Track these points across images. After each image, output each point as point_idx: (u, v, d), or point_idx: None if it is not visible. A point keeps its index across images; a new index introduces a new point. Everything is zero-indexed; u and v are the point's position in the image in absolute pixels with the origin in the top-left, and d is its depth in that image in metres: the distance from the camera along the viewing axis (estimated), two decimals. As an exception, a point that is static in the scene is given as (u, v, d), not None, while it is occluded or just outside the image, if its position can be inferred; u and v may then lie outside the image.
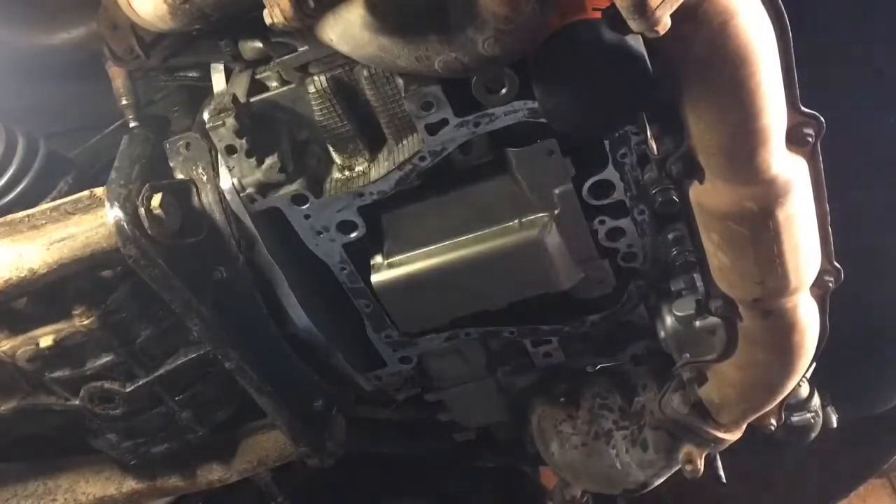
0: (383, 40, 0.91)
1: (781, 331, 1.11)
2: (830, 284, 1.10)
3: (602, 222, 1.32)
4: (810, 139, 0.95)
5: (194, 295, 1.28)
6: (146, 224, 1.20)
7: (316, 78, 1.20)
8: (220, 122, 1.17)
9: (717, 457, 1.54)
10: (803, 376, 1.23)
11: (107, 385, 1.41)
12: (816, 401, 1.46)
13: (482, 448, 1.98)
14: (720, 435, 1.38)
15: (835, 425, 1.50)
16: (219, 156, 1.27)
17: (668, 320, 1.41)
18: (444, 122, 1.15)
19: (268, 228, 1.32)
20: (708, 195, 1.00)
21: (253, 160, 1.21)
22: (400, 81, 1.14)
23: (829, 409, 1.50)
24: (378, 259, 1.36)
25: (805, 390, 1.43)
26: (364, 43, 0.92)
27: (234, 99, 1.18)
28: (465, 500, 2.22)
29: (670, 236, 1.30)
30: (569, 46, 0.91)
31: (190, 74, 1.40)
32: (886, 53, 1.38)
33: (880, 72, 1.41)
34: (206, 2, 1.05)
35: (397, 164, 1.23)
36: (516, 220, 1.29)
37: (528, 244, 1.28)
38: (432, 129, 1.17)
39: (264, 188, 1.25)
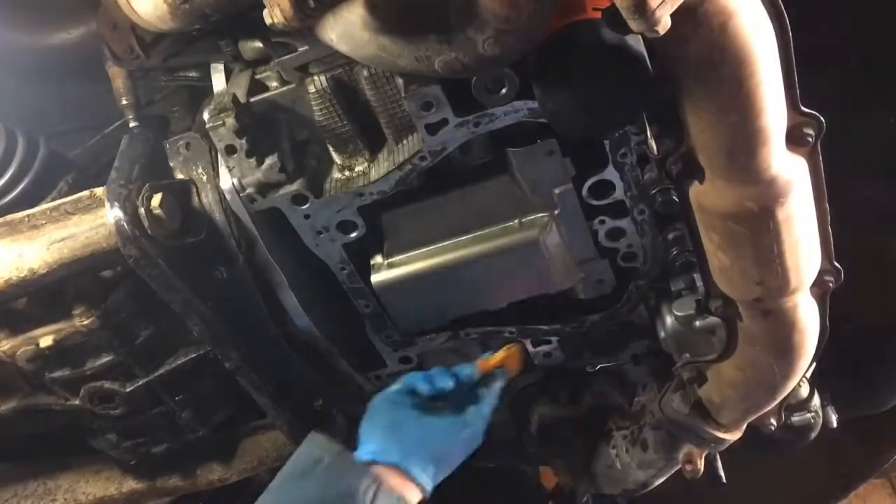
0: (383, 40, 0.90)
1: (781, 331, 1.11)
2: (830, 284, 1.10)
3: (602, 222, 1.32)
4: (810, 139, 0.95)
5: (194, 295, 1.29)
6: (146, 224, 1.20)
7: (316, 78, 1.20)
8: (220, 122, 1.18)
9: (717, 457, 1.54)
10: (803, 376, 1.23)
11: (107, 385, 1.41)
12: (816, 401, 1.46)
13: (482, 448, 1.98)
14: (720, 435, 1.38)
15: (835, 425, 1.49)
16: (219, 156, 1.27)
17: (668, 320, 1.41)
18: (444, 122, 1.15)
19: (268, 228, 1.32)
20: (708, 195, 1.00)
21: (253, 160, 1.21)
22: (400, 81, 1.14)
23: (829, 409, 1.50)
24: (378, 259, 1.36)
25: (805, 390, 1.43)
26: (364, 43, 0.92)
27: (234, 99, 1.18)
28: (464, 499, 2.22)
29: (670, 236, 1.30)
30: (569, 46, 0.91)
31: (190, 74, 1.40)
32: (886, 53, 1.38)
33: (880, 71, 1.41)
34: (206, 2, 1.05)
35: (397, 164, 1.23)
36: (516, 220, 1.30)
37: (527, 244, 1.28)
38: (432, 129, 1.17)
39: (264, 188, 1.25)
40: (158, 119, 1.41)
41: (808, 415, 1.45)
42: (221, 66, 1.31)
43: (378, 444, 1.29)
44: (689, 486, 1.47)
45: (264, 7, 0.88)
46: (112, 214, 1.19)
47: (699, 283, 1.26)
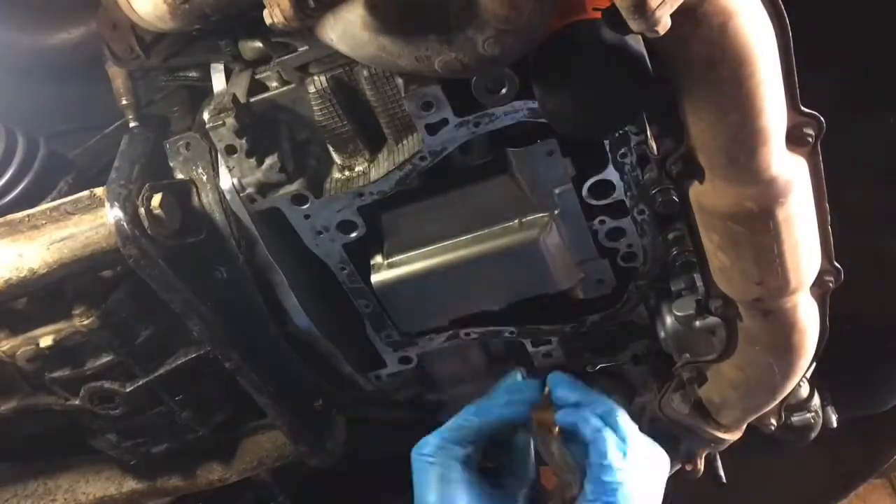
0: (383, 40, 0.90)
1: (781, 331, 1.11)
2: (830, 284, 1.10)
3: (602, 222, 1.32)
4: (810, 139, 0.95)
5: (194, 295, 1.28)
6: (146, 224, 1.20)
7: (316, 78, 1.19)
8: (220, 122, 1.17)
9: (717, 457, 1.54)
10: (803, 376, 1.23)
11: (107, 385, 1.41)
12: (816, 401, 1.46)
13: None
14: (720, 435, 1.38)
15: (835, 425, 1.50)
16: (219, 156, 1.27)
17: (668, 320, 1.41)
18: (444, 122, 1.15)
19: (268, 228, 1.32)
20: (708, 195, 1.00)
21: (253, 160, 1.21)
22: (400, 81, 1.14)
23: (829, 409, 1.50)
24: (378, 259, 1.36)
25: (805, 390, 1.43)
26: (364, 43, 0.92)
27: (234, 99, 1.18)
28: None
29: (670, 236, 1.30)
30: (569, 46, 0.91)
31: (190, 74, 1.40)
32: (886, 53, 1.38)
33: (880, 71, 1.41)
34: (206, 2, 1.05)
35: (397, 164, 1.23)
36: (516, 220, 1.29)
37: (528, 244, 1.28)
38: (432, 129, 1.16)
39: (264, 188, 1.25)
40: (158, 119, 1.40)
41: (808, 415, 1.45)
42: (221, 66, 1.31)
43: None
44: (690, 486, 1.47)
45: (264, 7, 0.88)
46: (112, 214, 1.19)
47: (699, 283, 1.26)
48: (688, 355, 1.36)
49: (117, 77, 1.36)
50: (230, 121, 1.17)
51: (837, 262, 1.08)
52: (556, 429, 1.30)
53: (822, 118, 0.95)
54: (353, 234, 1.33)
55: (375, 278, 1.35)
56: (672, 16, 0.74)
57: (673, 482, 1.52)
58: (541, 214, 1.29)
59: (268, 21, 0.88)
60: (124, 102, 1.37)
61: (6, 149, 1.34)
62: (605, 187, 1.27)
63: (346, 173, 1.28)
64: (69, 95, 1.49)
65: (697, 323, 1.35)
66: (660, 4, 0.72)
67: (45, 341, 1.32)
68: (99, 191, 1.23)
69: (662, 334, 1.43)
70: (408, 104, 1.14)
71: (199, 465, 1.64)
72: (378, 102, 1.21)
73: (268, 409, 1.47)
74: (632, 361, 1.57)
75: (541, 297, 1.40)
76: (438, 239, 1.33)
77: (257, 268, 1.35)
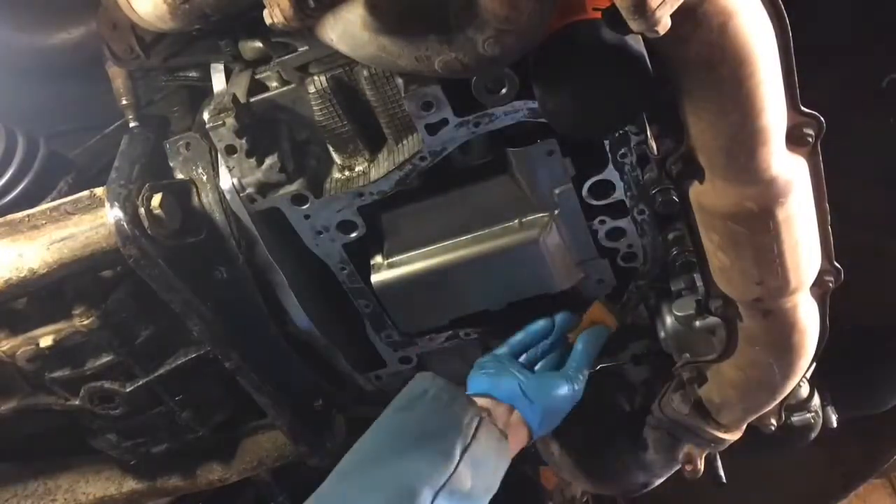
0: (383, 40, 0.91)
1: (781, 331, 1.11)
2: (830, 284, 1.10)
3: (602, 222, 1.32)
4: (810, 139, 0.95)
5: (194, 295, 1.29)
6: (146, 224, 1.20)
7: (316, 78, 1.20)
8: (220, 122, 1.17)
9: (717, 457, 1.54)
10: (803, 376, 1.23)
11: (107, 385, 1.41)
12: (816, 401, 1.46)
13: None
14: (720, 435, 1.38)
15: (835, 425, 1.50)
16: (219, 156, 1.27)
17: (668, 320, 1.41)
18: (444, 122, 1.15)
19: (268, 228, 1.32)
20: (708, 195, 1.00)
21: (253, 160, 1.21)
22: (400, 81, 1.14)
23: (829, 409, 1.50)
24: (378, 259, 1.36)
25: (805, 390, 1.43)
26: (364, 43, 0.92)
27: (234, 99, 1.18)
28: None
29: (670, 236, 1.30)
30: (569, 46, 0.91)
31: (190, 74, 1.40)
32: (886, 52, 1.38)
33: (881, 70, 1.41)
34: (207, 2, 1.05)
35: (397, 164, 1.23)
36: (516, 220, 1.30)
37: (527, 244, 1.28)
38: (432, 129, 1.17)
39: (264, 188, 1.25)
40: (158, 119, 1.41)
41: (808, 415, 1.45)
42: (221, 66, 1.31)
43: (490, 383, 1.30)
44: (690, 486, 1.47)
45: (264, 7, 0.88)
46: (112, 214, 1.19)
47: (699, 283, 1.26)
48: (688, 355, 1.36)
49: (117, 77, 1.36)
50: (230, 121, 1.17)
51: (837, 262, 1.08)
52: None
53: (822, 118, 0.94)
54: (353, 234, 1.33)
55: (375, 278, 1.35)
56: (672, 16, 0.74)
57: (673, 482, 1.52)
58: (541, 214, 1.29)
59: (268, 21, 0.88)
60: (124, 102, 1.37)
61: (6, 149, 1.34)
62: (605, 187, 1.27)
63: (346, 173, 1.28)
64: (69, 95, 1.49)
65: (697, 323, 1.35)
66: (660, 4, 0.72)
67: (45, 341, 1.32)
68: (99, 191, 1.23)
69: (662, 334, 1.43)
70: (408, 104, 1.14)
71: (199, 465, 1.64)
72: (378, 102, 1.21)
73: (268, 409, 1.47)
74: (632, 361, 1.57)
75: (541, 297, 1.40)
76: (438, 239, 1.33)
77: (257, 268, 1.35)
